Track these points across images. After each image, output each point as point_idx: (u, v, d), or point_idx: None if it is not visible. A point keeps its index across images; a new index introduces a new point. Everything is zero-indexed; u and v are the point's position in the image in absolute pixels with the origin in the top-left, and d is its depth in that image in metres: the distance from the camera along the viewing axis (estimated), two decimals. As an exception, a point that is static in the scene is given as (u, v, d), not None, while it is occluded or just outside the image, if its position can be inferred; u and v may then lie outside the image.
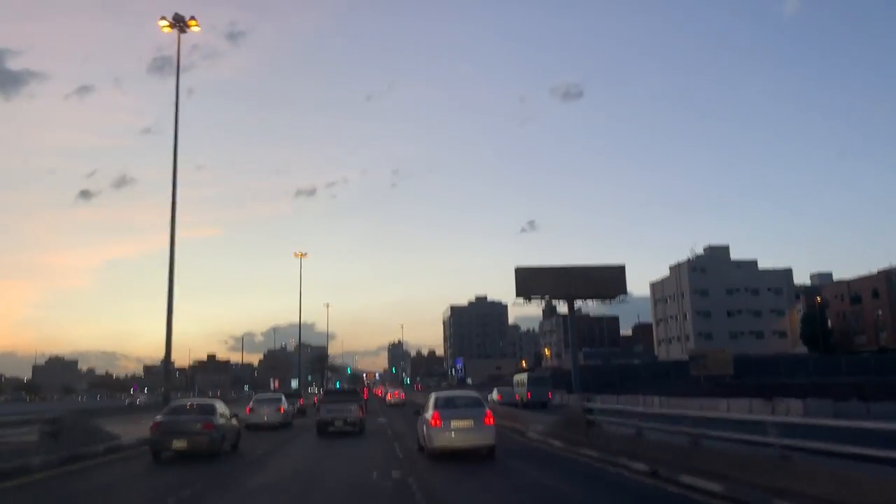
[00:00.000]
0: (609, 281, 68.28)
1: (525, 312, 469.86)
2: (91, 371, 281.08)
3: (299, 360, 68.78)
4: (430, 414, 16.20)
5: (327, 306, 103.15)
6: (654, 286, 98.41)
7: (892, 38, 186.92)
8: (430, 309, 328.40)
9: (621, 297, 69.81)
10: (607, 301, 70.39)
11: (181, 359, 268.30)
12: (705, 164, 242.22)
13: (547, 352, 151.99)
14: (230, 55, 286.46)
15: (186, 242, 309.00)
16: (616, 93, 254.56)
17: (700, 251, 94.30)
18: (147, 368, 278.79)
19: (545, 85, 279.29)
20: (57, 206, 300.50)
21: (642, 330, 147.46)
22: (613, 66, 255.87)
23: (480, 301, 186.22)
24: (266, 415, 27.75)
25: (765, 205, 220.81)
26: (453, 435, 15.55)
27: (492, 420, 15.96)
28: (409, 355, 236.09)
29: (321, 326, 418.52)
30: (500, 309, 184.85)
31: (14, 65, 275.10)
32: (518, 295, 68.57)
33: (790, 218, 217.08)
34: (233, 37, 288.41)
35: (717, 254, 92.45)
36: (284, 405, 29.33)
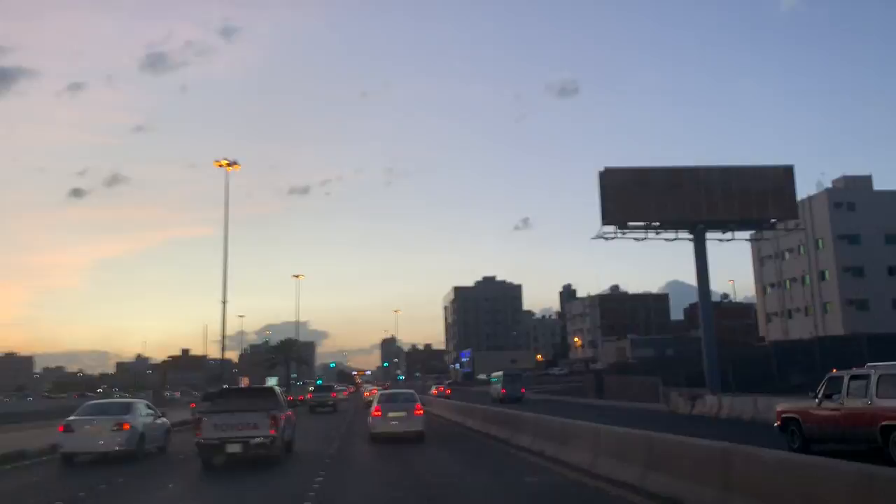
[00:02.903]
0: (767, 194, 38.49)
1: (536, 296, 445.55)
2: (60, 368, 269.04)
3: (222, 338, 41.81)
4: (373, 407, 20.48)
5: (297, 277, 73.55)
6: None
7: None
8: (423, 307, 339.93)
9: (789, 223, 40.08)
10: (759, 234, 40.83)
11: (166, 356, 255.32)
12: (704, 161, 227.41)
13: (577, 341, 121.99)
14: (224, 52, 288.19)
15: (178, 241, 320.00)
16: (612, 89, 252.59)
17: (828, 184, 64.36)
18: (120, 366, 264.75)
19: (541, 81, 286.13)
20: (48, 204, 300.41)
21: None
22: (609, 63, 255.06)
23: (489, 281, 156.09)
24: (101, 437, 16.84)
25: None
26: (390, 423, 19.58)
27: (421, 412, 20.14)
28: (403, 351, 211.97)
29: (315, 324, 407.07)
30: (513, 291, 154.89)
31: (5, 62, 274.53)
32: (607, 221, 38.56)
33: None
34: (226, 33, 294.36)
35: (859, 186, 62.69)
36: (131, 419, 17.44)
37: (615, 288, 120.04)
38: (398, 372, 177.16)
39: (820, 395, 14.12)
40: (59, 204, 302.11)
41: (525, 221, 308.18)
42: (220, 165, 43.33)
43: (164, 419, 20.50)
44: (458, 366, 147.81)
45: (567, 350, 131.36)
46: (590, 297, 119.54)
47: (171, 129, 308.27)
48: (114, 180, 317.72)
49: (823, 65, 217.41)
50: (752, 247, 65.32)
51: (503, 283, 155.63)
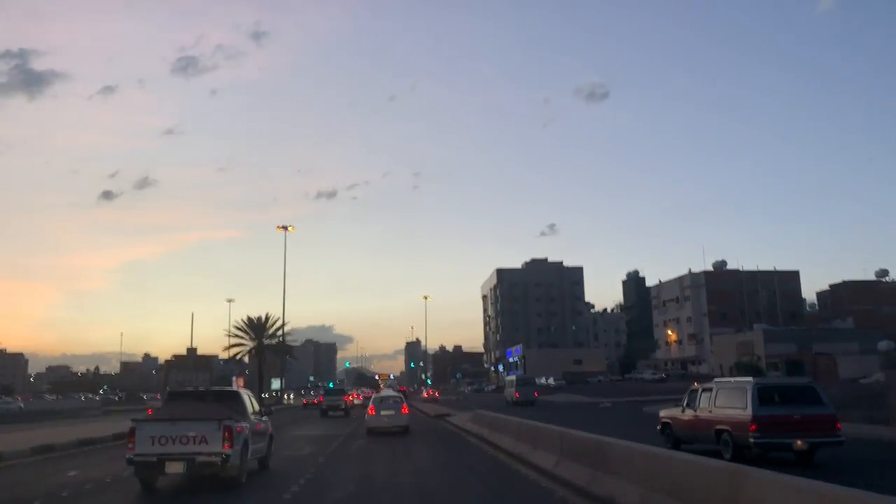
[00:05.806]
0: None
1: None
2: (65, 367, 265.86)
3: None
4: (369, 407, 26.16)
5: (285, 231, 43.40)
6: None
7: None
8: (450, 312, 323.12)
9: None
10: None
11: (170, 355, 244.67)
12: (732, 168, 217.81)
13: (671, 335, 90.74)
14: (253, 55, 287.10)
15: (207, 243, 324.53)
16: (643, 94, 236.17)
17: None
18: (125, 366, 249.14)
19: (569, 85, 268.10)
20: (79, 206, 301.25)
21: (847, 292, 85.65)
22: (640, 67, 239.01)
23: (540, 263, 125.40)
24: None
25: (797, 211, 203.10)
26: (382, 420, 24.67)
27: (406, 410, 25.36)
28: (429, 354, 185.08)
29: (341, 329, 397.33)
30: (572, 275, 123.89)
31: (38, 65, 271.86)
32: None
33: (829, 224, 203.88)
34: (256, 37, 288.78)
35: None
36: None
37: (721, 265, 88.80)
38: (427, 375, 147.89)
39: (684, 404, 16.30)
40: (90, 206, 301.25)
41: (551, 227, 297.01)
42: None
43: None
44: (501, 367, 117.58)
45: (652, 347, 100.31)
46: (691, 275, 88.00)
47: (200, 132, 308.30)
48: (144, 183, 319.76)
49: (858, 68, 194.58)
50: None
51: (559, 265, 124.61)
